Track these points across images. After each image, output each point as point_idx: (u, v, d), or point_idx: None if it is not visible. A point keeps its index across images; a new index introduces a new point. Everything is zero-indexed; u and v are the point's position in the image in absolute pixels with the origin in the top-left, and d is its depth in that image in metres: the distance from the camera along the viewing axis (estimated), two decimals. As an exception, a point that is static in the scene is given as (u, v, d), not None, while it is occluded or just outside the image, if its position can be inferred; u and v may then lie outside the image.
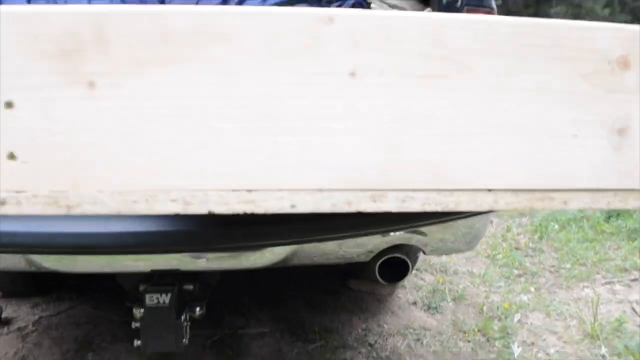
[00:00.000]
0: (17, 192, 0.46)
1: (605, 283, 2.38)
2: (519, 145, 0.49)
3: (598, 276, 2.45)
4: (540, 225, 3.01)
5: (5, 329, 1.77)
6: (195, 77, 0.45)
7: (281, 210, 0.48)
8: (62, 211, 0.46)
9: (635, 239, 2.81)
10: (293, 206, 0.48)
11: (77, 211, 0.46)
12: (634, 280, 2.45)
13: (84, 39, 0.44)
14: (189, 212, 0.47)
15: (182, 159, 0.46)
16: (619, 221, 3.04)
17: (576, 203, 0.51)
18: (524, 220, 3.22)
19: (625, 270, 2.52)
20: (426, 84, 0.47)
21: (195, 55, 0.45)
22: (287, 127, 0.47)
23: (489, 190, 0.50)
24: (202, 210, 0.47)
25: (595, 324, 1.82)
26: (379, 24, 0.46)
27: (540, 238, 2.89)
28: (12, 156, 0.45)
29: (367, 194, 0.49)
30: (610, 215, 3.11)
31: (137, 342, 1.12)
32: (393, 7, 1.41)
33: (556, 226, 3.02)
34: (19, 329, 1.78)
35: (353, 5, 1.18)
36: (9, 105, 0.45)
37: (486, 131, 0.49)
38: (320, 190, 0.48)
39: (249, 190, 0.47)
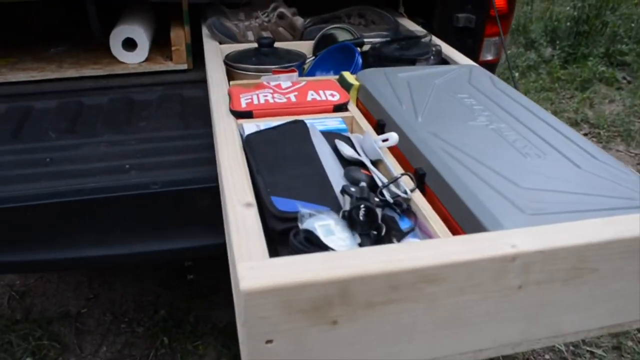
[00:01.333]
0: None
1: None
2: (610, 301, 0.76)
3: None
4: (502, 74, 3.32)
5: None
6: (411, 305, 0.65)
7: (454, 361, 0.74)
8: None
9: (587, 89, 3.24)
10: (462, 358, 0.74)
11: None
12: (585, 134, 2.94)
13: (331, 298, 0.61)
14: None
15: (404, 348, 0.68)
16: (575, 69, 3.40)
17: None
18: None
19: (577, 124, 2.99)
20: (566, 284, 0.70)
21: (414, 295, 0.64)
22: (468, 322, 0.69)
23: (588, 331, 0.77)
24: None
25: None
26: (545, 257, 0.66)
27: (502, 88, 3.22)
28: (269, 371, 0.65)
29: (509, 347, 0.75)
30: (567, 60, 3.46)
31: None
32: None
33: (516, 74, 3.35)
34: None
35: None
36: (268, 341, 0.63)
37: (594, 304, 0.74)
38: (480, 350, 0.73)
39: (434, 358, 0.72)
